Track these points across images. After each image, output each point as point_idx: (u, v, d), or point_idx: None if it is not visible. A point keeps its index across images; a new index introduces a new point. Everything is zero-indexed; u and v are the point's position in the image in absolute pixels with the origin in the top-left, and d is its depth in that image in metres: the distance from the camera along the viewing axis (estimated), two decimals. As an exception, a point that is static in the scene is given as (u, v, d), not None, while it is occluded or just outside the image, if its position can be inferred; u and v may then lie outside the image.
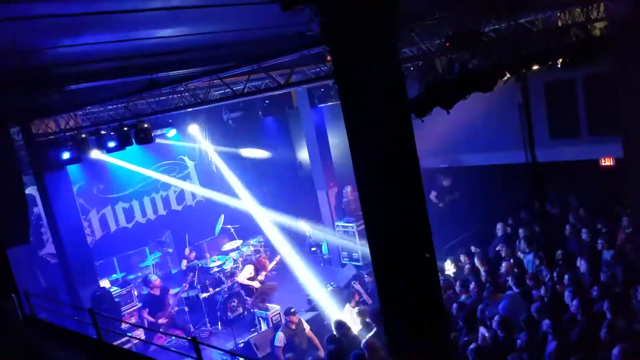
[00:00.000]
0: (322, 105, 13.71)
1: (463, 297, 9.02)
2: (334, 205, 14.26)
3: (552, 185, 12.43)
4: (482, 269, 9.68)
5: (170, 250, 14.97)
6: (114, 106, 10.43)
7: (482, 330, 7.67)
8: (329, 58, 7.71)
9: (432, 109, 5.86)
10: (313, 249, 15.50)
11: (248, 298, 12.11)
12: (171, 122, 14.89)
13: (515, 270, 9.23)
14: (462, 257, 10.53)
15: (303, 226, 14.96)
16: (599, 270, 8.51)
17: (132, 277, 13.67)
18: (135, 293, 12.80)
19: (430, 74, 6.58)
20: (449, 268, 10.53)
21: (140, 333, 11.13)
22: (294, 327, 9.69)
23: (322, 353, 8.44)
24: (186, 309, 12.13)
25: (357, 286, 10.65)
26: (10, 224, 8.07)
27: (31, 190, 12.45)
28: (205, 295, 12.27)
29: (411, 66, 9.52)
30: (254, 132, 16.99)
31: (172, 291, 12.10)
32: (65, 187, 11.10)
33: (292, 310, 9.81)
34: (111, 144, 10.38)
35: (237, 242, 14.72)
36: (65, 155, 10.51)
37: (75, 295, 10.88)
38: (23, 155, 10.54)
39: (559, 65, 8.01)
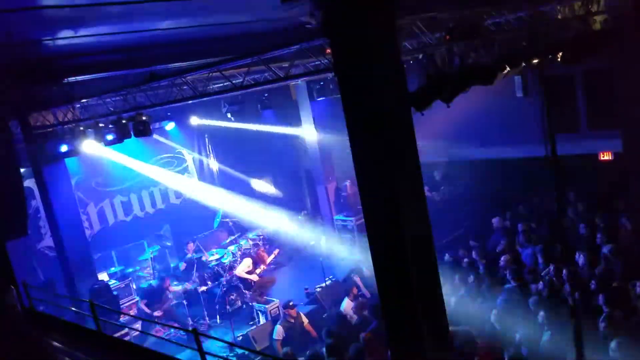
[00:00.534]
0: (320, 98, 13.69)
1: (462, 290, 9.04)
2: (333, 199, 14.26)
3: (549, 180, 12.42)
4: (480, 263, 9.70)
5: (169, 244, 14.96)
6: (113, 99, 10.39)
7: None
8: (328, 51, 7.69)
9: (432, 102, 5.85)
10: (312, 242, 15.50)
11: (247, 291, 12.13)
12: (170, 115, 14.85)
13: (514, 264, 9.25)
14: (461, 251, 10.55)
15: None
16: (597, 264, 8.52)
17: (130, 270, 13.66)
18: (134, 286, 12.81)
19: (430, 67, 6.55)
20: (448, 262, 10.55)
21: (139, 325, 11.13)
22: (292, 320, 9.72)
23: (320, 346, 8.45)
24: (185, 302, 12.13)
25: (356, 279, 10.67)
26: (8, 217, 8.06)
27: (29, 183, 12.41)
28: (203, 288, 12.27)
29: (411, 59, 9.49)
30: (253, 124, 16.96)
31: (172, 288, 12.09)
32: (63, 180, 11.07)
33: (290, 303, 9.83)
34: (109, 137, 10.33)
35: (236, 236, 14.74)
36: (64, 148, 10.47)
37: (73, 288, 10.88)
38: (21, 148, 10.50)
39: (559, 59, 8.00)
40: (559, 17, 9.13)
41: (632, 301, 7.32)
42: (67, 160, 11.01)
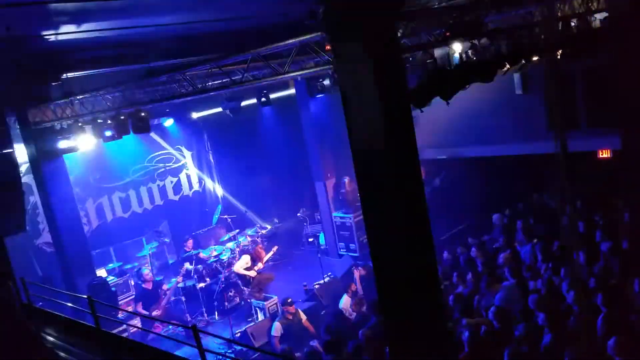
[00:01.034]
0: (320, 95, 13.66)
1: (460, 288, 9.05)
2: (331, 196, 14.25)
3: (549, 177, 12.42)
4: (479, 260, 9.70)
5: (167, 240, 14.96)
6: (112, 95, 10.36)
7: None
8: (328, 47, 7.67)
9: (432, 99, 5.84)
10: (310, 239, 15.52)
11: (245, 288, 12.13)
12: (169, 112, 14.82)
13: (512, 261, 9.25)
14: (460, 248, 10.55)
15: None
16: (596, 262, 8.53)
17: (128, 266, 13.64)
18: (132, 283, 12.80)
19: (429, 64, 6.54)
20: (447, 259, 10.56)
21: (137, 322, 11.12)
22: (290, 317, 9.72)
23: (318, 343, 8.45)
24: (183, 298, 12.13)
25: (355, 276, 10.68)
26: (6, 213, 8.04)
27: (27, 179, 12.39)
28: (202, 285, 12.26)
29: (410, 56, 9.47)
30: (252, 121, 16.95)
31: (165, 286, 12.05)
32: (61, 176, 11.03)
33: (289, 300, 9.83)
34: (108, 133, 10.28)
35: (234, 232, 14.74)
36: (62, 144, 10.45)
37: (71, 285, 10.86)
38: (19, 143, 10.48)
39: (559, 57, 7.99)
40: (560, 14, 9.12)
41: (631, 299, 7.32)
42: (65, 156, 10.98)
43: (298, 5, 5.23)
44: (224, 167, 17.08)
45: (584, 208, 10.81)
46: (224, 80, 9.31)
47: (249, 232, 15.24)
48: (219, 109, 14.20)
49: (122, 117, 9.95)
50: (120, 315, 10.88)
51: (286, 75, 8.13)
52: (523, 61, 7.36)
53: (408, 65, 9.63)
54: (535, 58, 7.62)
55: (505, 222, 11.21)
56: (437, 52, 6.64)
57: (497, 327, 7.30)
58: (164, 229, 15.27)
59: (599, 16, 9.41)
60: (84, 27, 6.21)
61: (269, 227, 16.17)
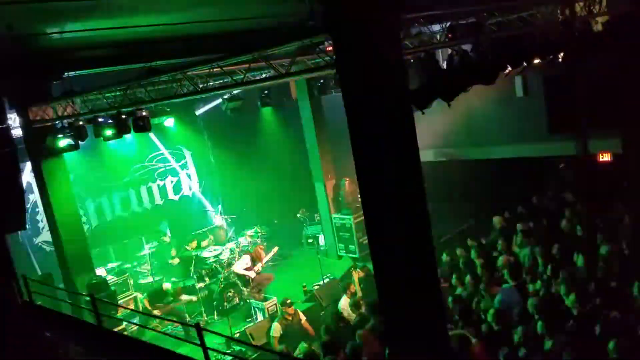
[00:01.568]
0: (320, 96, 13.67)
1: (459, 290, 9.04)
2: (331, 197, 14.25)
3: (550, 180, 12.46)
4: (478, 262, 9.68)
5: (167, 240, 14.95)
6: (113, 94, 10.36)
7: None
8: (329, 48, 7.68)
9: (433, 101, 5.84)
10: (310, 240, 15.51)
11: (244, 288, 12.12)
12: (169, 111, 14.83)
13: (512, 264, 9.23)
14: (459, 250, 10.53)
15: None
16: (595, 266, 8.52)
17: (128, 265, 13.65)
18: (131, 282, 12.79)
19: (431, 66, 6.53)
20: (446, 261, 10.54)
21: (137, 320, 11.11)
22: (290, 318, 9.71)
23: (317, 344, 8.44)
24: (183, 298, 12.11)
25: (354, 277, 10.67)
26: (6, 211, 8.02)
27: (28, 178, 12.40)
28: (201, 285, 12.26)
29: (411, 58, 9.47)
30: (252, 122, 16.97)
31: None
32: (62, 174, 11.04)
33: (288, 301, 9.82)
34: (109, 132, 10.28)
35: (234, 233, 14.74)
36: (63, 142, 10.43)
37: (71, 283, 10.86)
38: (20, 141, 10.47)
39: (560, 60, 8.00)
40: (561, 18, 9.13)
41: (631, 302, 7.32)
42: (66, 155, 10.98)
43: (299, 6, 5.23)
44: (224, 167, 17.07)
45: (584, 211, 10.79)
46: (225, 80, 9.31)
47: (249, 232, 15.24)
48: (219, 107, 14.22)
49: (123, 116, 9.95)
50: (120, 314, 10.86)
51: (287, 77, 8.13)
52: (525, 64, 7.35)
53: (409, 66, 9.62)
54: (536, 61, 7.62)
55: (504, 225, 11.19)
56: (439, 54, 6.66)
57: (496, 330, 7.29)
58: (164, 229, 15.29)
59: (600, 19, 9.41)
60: (86, 25, 6.21)
61: (268, 227, 16.14)
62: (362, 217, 5.71)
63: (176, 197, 16.37)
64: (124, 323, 10.45)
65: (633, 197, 9.43)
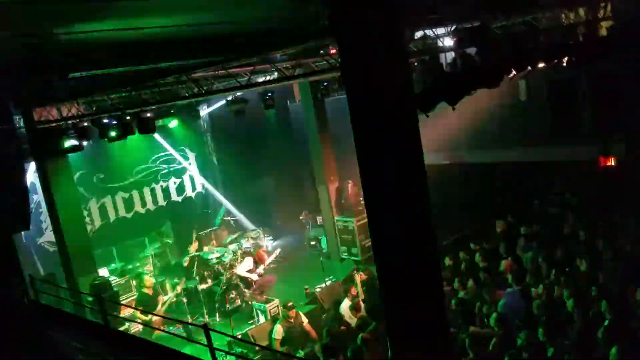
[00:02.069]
0: (324, 98, 13.68)
1: (461, 293, 9.02)
2: (334, 199, 14.24)
3: (553, 184, 12.45)
4: (481, 266, 9.67)
5: (170, 241, 14.96)
6: (117, 95, 10.39)
7: None
8: (333, 51, 7.70)
9: (438, 104, 5.84)
10: (312, 243, 15.51)
11: (246, 290, 12.12)
12: (173, 113, 14.86)
13: (515, 268, 9.22)
14: (461, 254, 10.53)
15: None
16: (598, 270, 8.50)
17: (130, 266, 13.66)
18: (134, 283, 12.80)
19: (435, 69, 6.54)
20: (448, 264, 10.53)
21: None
22: (292, 320, 9.69)
23: (319, 347, 8.42)
24: (184, 300, 12.12)
25: (357, 279, 10.65)
26: (10, 211, 8.06)
27: (32, 178, 12.43)
28: (204, 286, 12.26)
29: (415, 61, 9.48)
30: (256, 124, 16.97)
31: (161, 298, 11.87)
32: (66, 175, 11.08)
33: (290, 303, 9.81)
34: (113, 133, 10.32)
35: (237, 235, 14.75)
36: (67, 143, 10.47)
37: (74, 284, 10.88)
38: (25, 142, 10.51)
39: (564, 64, 8.00)
40: (565, 22, 9.13)
41: (633, 307, 7.30)
42: (70, 155, 11.01)
43: (304, 9, 5.25)
44: (227, 169, 17.10)
45: (587, 215, 10.78)
46: (229, 82, 9.34)
47: (252, 234, 15.24)
48: (222, 108, 14.22)
49: (127, 118, 9.98)
50: (122, 314, 10.87)
51: (292, 79, 8.15)
52: (529, 68, 7.35)
53: (414, 70, 9.63)
54: (541, 65, 7.62)
55: (507, 229, 11.18)
56: (443, 57, 6.66)
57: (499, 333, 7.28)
58: (167, 230, 15.30)
59: (605, 24, 9.41)
60: (91, 27, 6.23)
61: (271, 230, 16.16)
62: (365, 220, 5.72)
63: (179, 199, 16.39)
64: (127, 323, 10.45)
65: (636, 202, 9.40)
